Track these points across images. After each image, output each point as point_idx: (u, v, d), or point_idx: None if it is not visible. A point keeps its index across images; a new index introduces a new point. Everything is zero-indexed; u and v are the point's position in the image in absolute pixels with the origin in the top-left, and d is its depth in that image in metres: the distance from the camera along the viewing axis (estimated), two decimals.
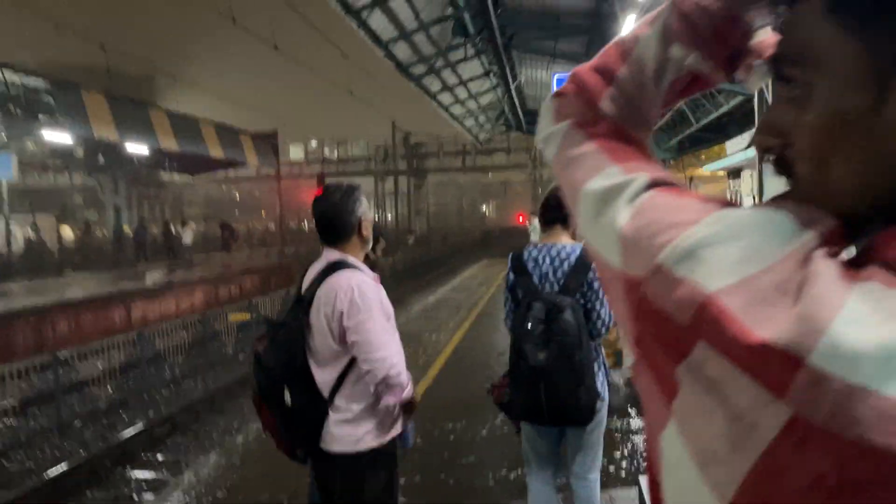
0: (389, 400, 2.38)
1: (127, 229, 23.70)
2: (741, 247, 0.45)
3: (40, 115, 16.71)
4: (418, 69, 11.94)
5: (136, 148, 19.85)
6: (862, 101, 0.46)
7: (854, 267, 0.43)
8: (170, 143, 18.83)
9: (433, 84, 13.24)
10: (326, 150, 44.04)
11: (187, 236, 23.55)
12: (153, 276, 18.41)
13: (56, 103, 15.70)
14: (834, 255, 0.44)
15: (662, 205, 0.52)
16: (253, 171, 36.62)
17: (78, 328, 13.02)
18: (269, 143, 25.47)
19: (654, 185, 0.54)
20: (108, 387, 9.78)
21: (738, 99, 13.15)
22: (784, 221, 0.46)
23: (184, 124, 19.71)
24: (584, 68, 0.67)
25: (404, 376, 2.36)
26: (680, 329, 0.45)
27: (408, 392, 2.41)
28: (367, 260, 3.56)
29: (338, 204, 2.46)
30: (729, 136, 17.89)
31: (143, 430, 7.46)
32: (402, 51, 10.73)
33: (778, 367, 0.39)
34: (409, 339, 4.09)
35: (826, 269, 0.42)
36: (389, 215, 43.20)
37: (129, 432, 7.38)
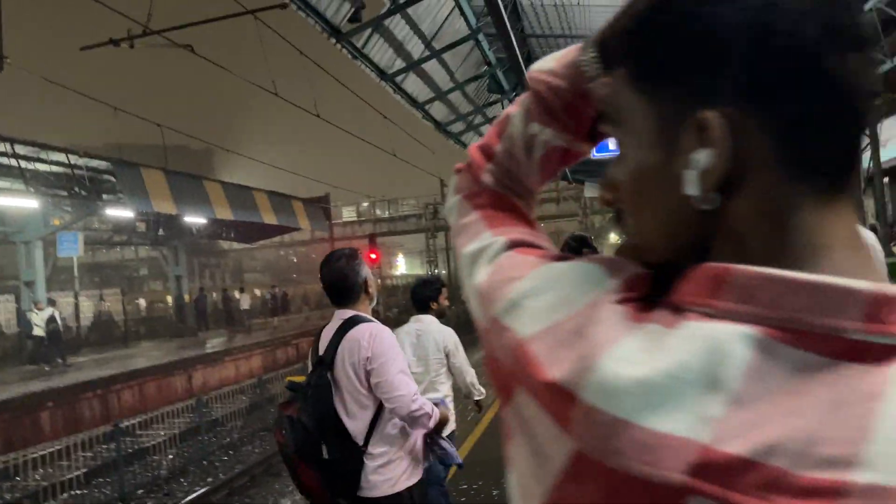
0: (419, 431, 2.55)
1: (188, 298, 24.48)
2: (554, 296, 0.49)
3: (104, 195, 17.61)
4: (457, 127, 12.19)
5: (195, 219, 20.64)
6: (656, 158, 0.49)
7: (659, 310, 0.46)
8: (225, 213, 19.52)
9: (473, 140, 13.47)
10: (378, 210, 44.90)
11: (245, 302, 24.13)
12: (212, 343, 18.86)
13: (118, 182, 16.55)
14: (629, 300, 0.47)
15: (509, 263, 0.57)
16: (308, 235, 37.52)
17: (141, 397, 13.39)
18: (320, 207, 26.14)
19: (512, 245, 0.60)
20: (169, 454, 9.99)
21: None
22: (593, 271, 0.50)
23: (238, 194, 20.45)
24: (474, 146, 0.73)
25: (427, 406, 2.52)
26: (507, 374, 0.49)
27: (434, 418, 2.55)
28: (433, 310, 3.83)
29: (344, 268, 2.64)
30: None
31: (200, 496, 7.57)
32: (439, 111, 10.99)
33: (562, 403, 0.43)
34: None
35: (609, 313, 0.45)
36: (443, 271, 43.45)
37: (186, 500, 7.50)
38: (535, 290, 0.51)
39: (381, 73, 8.20)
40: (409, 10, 7.62)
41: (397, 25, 7.91)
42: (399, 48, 8.27)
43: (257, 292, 33.43)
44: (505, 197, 0.69)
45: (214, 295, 28.04)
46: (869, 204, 7.74)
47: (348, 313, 2.60)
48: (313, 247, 48.05)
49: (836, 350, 0.39)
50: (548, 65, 0.65)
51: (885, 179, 8.00)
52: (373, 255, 23.08)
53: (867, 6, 8.09)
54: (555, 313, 0.47)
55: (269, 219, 21.57)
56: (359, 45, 7.50)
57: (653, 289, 0.48)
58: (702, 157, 0.44)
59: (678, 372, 0.40)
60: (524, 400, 0.46)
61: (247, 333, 21.51)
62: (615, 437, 0.40)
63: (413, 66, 8.79)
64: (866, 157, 7.64)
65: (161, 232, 23.61)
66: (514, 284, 0.53)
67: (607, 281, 0.49)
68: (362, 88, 10.71)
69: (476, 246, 0.63)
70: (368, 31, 7.44)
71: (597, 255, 0.53)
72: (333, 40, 7.08)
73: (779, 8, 0.43)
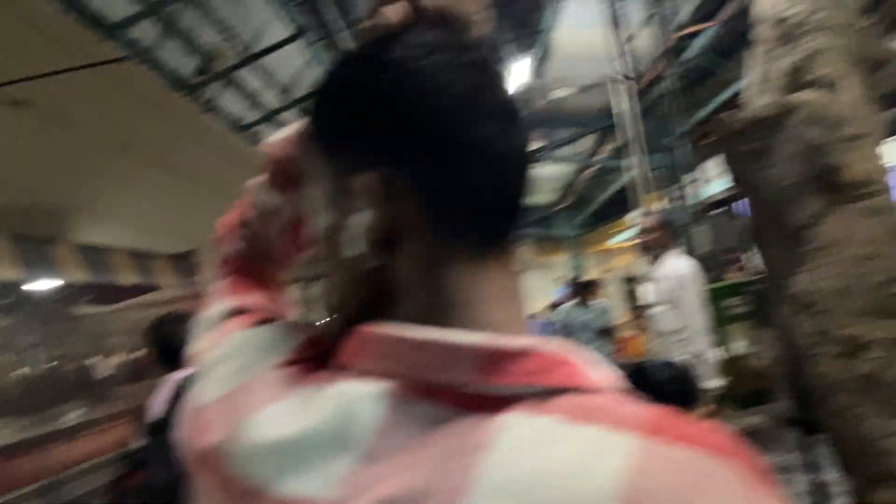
0: None
1: (40, 369, 22.42)
2: (236, 363, 0.51)
3: None
4: None
5: (46, 284, 19.09)
6: (331, 218, 0.51)
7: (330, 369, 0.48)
8: (80, 276, 18.18)
9: None
10: None
11: (104, 369, 22.44)
12: (68, 417, 17.34)
13: None
14: (298, 362, 0.49)
15: (220, 331, 0.59)
16: (181, 292, 35.67)
17: None
18: (187, 263, 24.96)
19: (232, 313, 0.61)
20: None
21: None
22: (276, 336, 0.52)
23: (93, 255, 19.12)
24: (227, 215, 0.74)
25: None
26: (187, 443, 0.51)
27: None
28: None
29: (177, 329, 2.53)
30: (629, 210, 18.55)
31: None
32: None
33: (217, 469, 0.44)
34: None
35: (270, 377, 0.47)
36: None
37: None
38: (222, 357, 0.53)
39: (235, 126, 8.06)
40: (262, 62, 7.58)
41: (250, 77, 7.84)
42: (253, 99, 8.18)
43: (121, 357, 31.25)
44: (253, 264, 0.70)
45: (70, 364, 25.89)
46: (700, 234, 8.47)
47: (182, 374, 2.48)
48: (183, 304, 45.59)
49: (456, 403, 0.41)
50: (282, 134, 0.68)
51: (713, 212, 8.77)
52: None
53: (685, 57, 8.93)
54: (232, 380, 0.49)
55: (129, 279, 20.30)
56: (209, 97, 7.36)
57: (332, 348, 0.50)
58: (361, 218, 0.47)
59: (313, 433, 0.42)
60: (196, 469, 0.48)
61: (107, 402, 19.98)
62: (254, 501, 0.41)
63: (269, 116, 8.71)
64: (697, 192, 8.38)
65: (8, 300, 21.63)
66: (210, 353, 0.55)
67: (286, 344, 0.51)
68: (220, 140, 10.45)
69: (206, 314, 0.65)
70: (219, 83, 7.33)
71: (285, 319, 0.57)
72: (181, 93, 6.91)
73: (422, 79, 0.46)
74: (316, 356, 0.50)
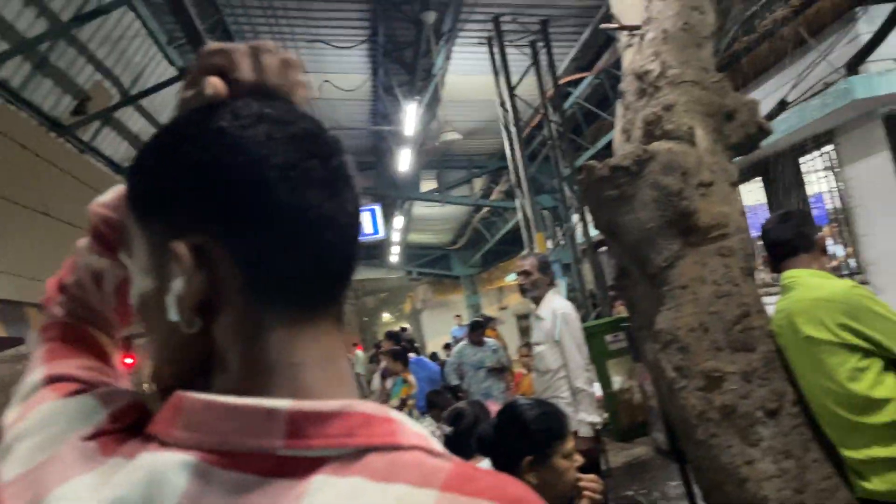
0: None
1: None
2: (43, 436, 0.48)
3: None
4: None
5: None
6: (150, 284, 0.50)
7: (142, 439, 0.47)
8: None
9: None
10: None
11: None
12: None
13: None
14: (107, 433, 0.48)
15: (32, 401, 0.56)
16: None
17: None
18: None
19: (48, 381, 0.58)
20: None
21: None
22: (88, 406, 0.50)
23: None
24: (51, 279, 0.71)
25: None
26: None
27: None
28: None
29: None
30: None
31: None
32: None
33: None
34: None
35: (73, 451, 0.46)
36: None
37: None
38: (28, 430, 0.50)
39: (116, 167, 7.73)
40: (143, 102, 7.34)
41: (131, 117, 7.57)
42: (134, 140, 7.89)
43: None
44: (78, 328, 0.67)
45: None
46: (587, 271, 8.81)
47: None
48: None
49: (265, 468, 0.42)
50: (106, 197, 0.66)
51: (600, 249, 9.16)
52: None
53: (567, 104, 9.39)
54: (38, 455, 0.47)
55: None
56: (86, 138, 7.04)
57: (147, 417, 0.49)
58: (176, 284, 0.46)
59: None
60: None
61: None
62: None
63: None
64: (584, 231, 8.74)
65: None
66: (16, 426, 0.52)
67: (97, 415, 0.49)
68: (100, 182, 9.97)
69: (23, 381, 0.60)
70: (97, 123, 7.03)
71: (102, 388, 0.55)
72: (54, 134, 6.57)
73: (240, 150, 0.46)
74: (129, 425, 0.49)
